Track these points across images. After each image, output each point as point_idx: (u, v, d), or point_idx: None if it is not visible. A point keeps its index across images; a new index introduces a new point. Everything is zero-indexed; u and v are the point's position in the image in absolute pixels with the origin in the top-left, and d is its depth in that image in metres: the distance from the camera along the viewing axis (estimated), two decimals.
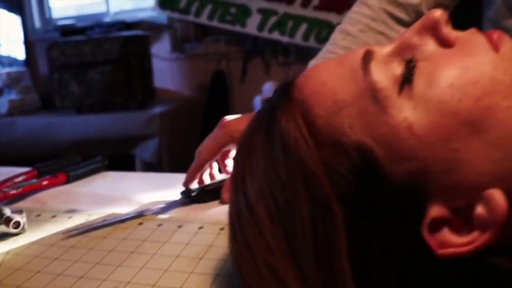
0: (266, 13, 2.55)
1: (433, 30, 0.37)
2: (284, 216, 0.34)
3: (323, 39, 2.45)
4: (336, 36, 0.79)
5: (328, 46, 0.79)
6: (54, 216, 0.70)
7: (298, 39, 2.51)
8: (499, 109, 0.33)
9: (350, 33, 0.77)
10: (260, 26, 2.56)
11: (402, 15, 0.77)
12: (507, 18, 0.85)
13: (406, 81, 0.35)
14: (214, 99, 2.79)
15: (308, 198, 0.33)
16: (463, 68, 0.34)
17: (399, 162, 0.33)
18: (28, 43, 3.21)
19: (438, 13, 0.37)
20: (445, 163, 0.33)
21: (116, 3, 3.16)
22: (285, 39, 2.54)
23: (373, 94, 0.35)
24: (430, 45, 0.37)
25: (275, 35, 2.55)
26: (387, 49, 0.38)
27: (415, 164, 0.33)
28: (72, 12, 3.31)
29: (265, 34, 2.56)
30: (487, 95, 0.33)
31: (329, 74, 0.38)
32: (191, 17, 2.68)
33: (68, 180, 0.86)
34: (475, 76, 0.34)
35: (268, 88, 2.51)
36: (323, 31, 2.46)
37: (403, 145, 0.33)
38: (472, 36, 0.37)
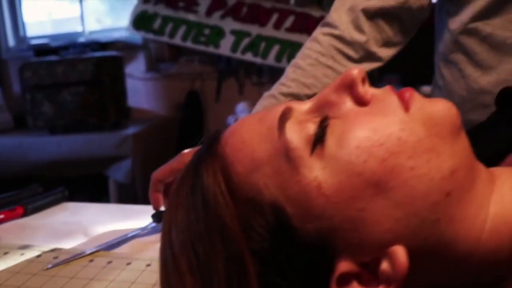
0: (239, 35, 2.59)
1: (350, 88, 0.39)
2: (203, 269, 0.36)
3: None
4: (288, 70, 0.83)
5: (281, 79, 0.83)
6: (6, 253, 0.70)
7: (270, 60, 2.55)
8: (403, 170, 0.35)
9: (301, 66, 0.81)
10: (234, 47, 2.59)
11: (350, 52, 0.82)
12: (454, 52, 0.89)
13: (318, 141, 0.36)
14: (188, 118, 2.80)
15: (224, 253, 0.35)
16: (371, 129, 0.36)
17: (309, 220, 0.35)
18: (1, 62, 3.19)
19: (355, 72, 0.39)
20: (351, 221, 0.35)
21: (92, 22, 3.17)
22: (258, 60, 2.57)
23: (287, 154, 0.36)
24: (347, 103, 0.39)
25: (248, 56, 2.58)
26: (307, 105, 0.40)
27: (323, 222, 0.35)
28: (47, 28, 3.30)
29: (238, 55, 2.59)
30: (392, 156, 0.35)
31: (249, 132, 0.39)
32: (165, 38, 2.70)
33: (26, 213, 0.86)
34: (382, 137, 0.35)
35: (241, 108, 2.53)
36: (295, 53, 2.48)
37: (313, 204, 0.35)
38: (386, 95, 0.39)
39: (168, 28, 2.68)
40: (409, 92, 0.39)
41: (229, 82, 2.81)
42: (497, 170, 0.42)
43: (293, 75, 0.81)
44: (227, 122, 2.54)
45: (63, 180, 2.62)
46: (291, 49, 2.51)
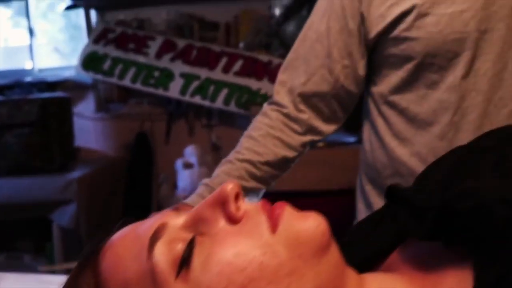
0: (188, 78, 2.61)
1: (222, 205, 0.39)
2: None
3: (243, 104, 2.53)
4: (242, 140, 0.92)
5: (236, 147, 0.92)
6: None
7: (219, 103, 2.57)
8: None
9: (253, 137, 0.90)
10: (183, 90, 2.61)
11: (295, 126, 0.91)
12: (376, 120, 0.93)
13: (184, 263, 0.37)
14: (137, 160, 2.78)
15: None
16: (235, 253, 0.36)
17: None
18: None
19: (229, 188, 0.40)
20: None
21: (42, 60, 3.13)
22: (206, 103, 2.59)
23: (153, 277, 0.37)
24: (219, 221, 0.39)
25: (197, 99, 2.60)
26: (182, 219, 0.41)
27: None
28: None
29: (187, 98, 2.61)
30: (251, 283, 0.35)
31: (125, 248, 0.40)
32: (114, 80, 2.69)
33: None
34: (244, 262, 0.36)
35: (190, 152, 2.53)
36: (243, 96, 2.54)
37: None
38: (256, 214, 0.39)
39: (118, 70, 2.68)
40: (279, 209, 0.39)
41: (179, 124, 2.81)
42: (368, 276, 0.44)
43: (246, 144, 0.90)
44: (175, 166, 2.54)
45: (6, 224, 2.54)
46: (239, 93, 2.55)
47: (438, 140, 0.85)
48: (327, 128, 0.94)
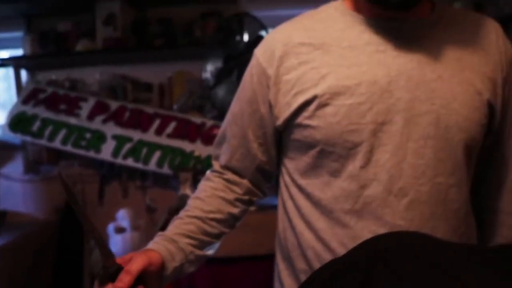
0: (120, 140, 2.57)
1: None
2: None
3: (176, 166, 2.50)
4: (189, 201, 0.99)
5: (185, 207, 0.98)
6: None
7: (152, 165, 2.54)
8: None
9: (199, 198, 0.98)
10: (115, 152, 2.56)
11: (236, 189, 1.00)
12: (287, 200, 0.96)
13: None
14: (68, 223, 2.67)
15: None
16: None
17: None
18: None
19: None
20: None
21: None
22: (139, 165, 2.55)
23: None
24: None
25: (130, 162, 2.56)
26: None
27: None
28: None
29: (119, 160, 2.56)
30: None
31: None
32: (43, 141, 2.61)
33: None
34: None
35: (122, 215, 2.47)
36: (177, 159, 2.52)
37: None
38: None
39: (48, 131, 2.61)
40: None
41: (112, 186, 2.74)
42: None
43: (194, 204, 0.97)
44: (107, 230, 2.46)
45: None
46: (172, 155, 2.53)
47: (340, 227, 0.86)
48: (266, 189, 1.04)
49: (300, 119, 0.86)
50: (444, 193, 0.83)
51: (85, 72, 2.74)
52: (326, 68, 0.85)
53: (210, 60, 2.28)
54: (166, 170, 2.52)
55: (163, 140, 2.55)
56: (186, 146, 2.53)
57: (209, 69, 2.31)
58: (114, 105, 2.62)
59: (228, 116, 1.01)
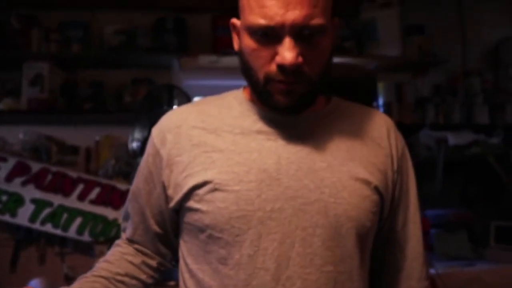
0: (40, 204, 2.46)
1: None
2: None
3: (97, 234, 2.41)
4: (97, 264, 0.98)
5: (92, 269, 0.97)
6: None
7: (72, 232, 2.44)
8: None
9: (108, 260, 0.98)
10: (33, 216, 2.44)
11: (144, 256, 0.99)
12: (194, 263, 0.92)
13: None
14: None
15: None
16: None
17: None
18: None
19: None
20: None
21: None
22: (58, 231, 2.44)
23: None
24: None
25: (48, 227, 2.44)
26: None
27: None
28: None
29: (37, 225, 2.44)
30: None
31: None
32: None
33: None
34: None
35: (34, 284, 2.32)
36: (98, 226, 2.43)
37: None
38: None
39: None
40: None
41: (28, 251, 2.59)
42: None
43: (102, 266, 0.97)
44: None
45: None
46: (93, 222, 2.44)
47: None
48: (174, 260, 1.01)
49: (191, 203, 0.86)
50: (333, 281, 0.83)
51: (7, 130, 2.63)
52: (217, 153, 0.86)
53: (137, 127, 2.25)
54: (86, 237, 2.42)
55: (86, 206, 2.47)
56: (109, 213, 2.45)
57: (136, 136, 2.28)
58: (36, 167, 2.52)
59: (130, 192, 1.01)
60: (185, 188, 0.87)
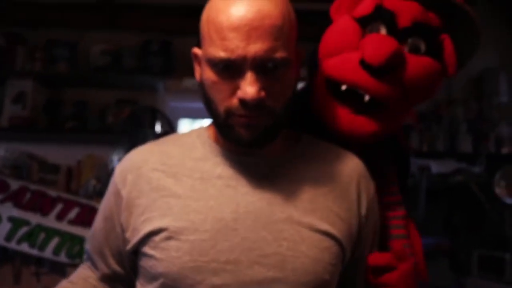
0: (17, 222, 2.43)
1: None
2: None
3: (74, 255, 2.38)
4: (61, 283, 0.96)
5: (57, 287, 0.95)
6: None
7: (48, 253, 2.40)
8: None
9: (71, 281, 0.96)
10: (9, 235, 2.41)
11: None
12: None
13: None
14: None
15: None
16: None
17: None
18: None
19: None
20: None
21: None
22: (34, 251, 2.41)
23: None
24: None
25: (24, 247, 2.41)
26: None
27: None
28: None
29: (13, 244, 2.40)
30: None
31: None
32: None
33: None
34: None
35: None
36: (76, 247, 2.40)
37: None
38: None
39: None
40: None
41: (3, 271, 2.54)
42: None
43: (65, 286, 0.94)
44: None
45: None
46: (71, 243, 2.41)
47: None
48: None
49: (146, 248, 0.83)
50: None
51: None
52: (175, 199, 0.83)
53: (118, 148, 2.24)
54: (63, 258, 2.39)
55: (64, 226, 2.44)
56: (88, 234, 2.41)
57: (116, 157, 2.27)
58: (15, 184, 2.49)
59: (91, 228, 0.98)
60: (141, 233, 0.84)
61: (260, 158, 0.86)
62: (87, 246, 0.99)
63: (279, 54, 0.77)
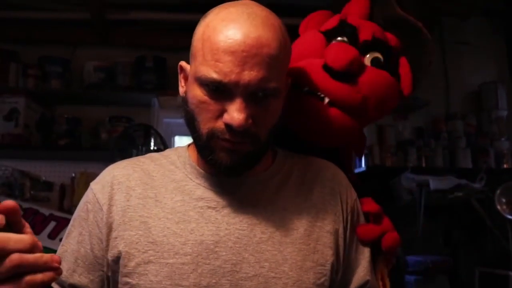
0: None
1: None
2: None
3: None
4: None
5: None
6: None
7: None
8: None
9: None
10: None
11: None
12: None
13: None
14: None
15: None
16: None
17: None
18: None
19: None
20: None
21: None
22: None
23: None
24: None
25: None
26: None
27: None
28: None
29: None
30: None
31: None
32: None
33: None
34: None
35: None
36: None
37: None
38: None
39: None
40: None
41: None
42: None
43: None
44: None
45: None
46: None
47: None
48: None
49: (123, 273, 0.79)
50: None
51: None
52: (155, 221, 0.80)
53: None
54: None
55: (56, 245, 2.39)
56: None
57: None
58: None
59: (59, 250, 0.89)
60: (117, 253, 0.80)
61: (240, 179, 0.84)
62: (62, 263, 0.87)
63: (272, 85, 0.75)
